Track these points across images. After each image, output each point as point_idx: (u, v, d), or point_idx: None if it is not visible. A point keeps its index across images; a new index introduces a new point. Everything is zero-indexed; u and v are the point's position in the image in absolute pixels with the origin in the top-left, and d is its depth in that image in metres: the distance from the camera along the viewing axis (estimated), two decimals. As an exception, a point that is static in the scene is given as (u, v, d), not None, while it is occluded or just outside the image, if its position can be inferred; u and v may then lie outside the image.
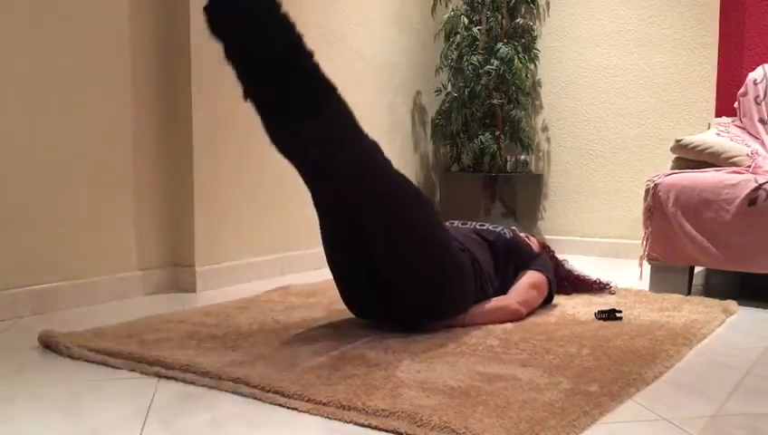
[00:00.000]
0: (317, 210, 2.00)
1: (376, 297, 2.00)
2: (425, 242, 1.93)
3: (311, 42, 3.43)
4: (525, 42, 4.01)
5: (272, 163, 3.12)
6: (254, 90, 1.79)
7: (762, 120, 3.13)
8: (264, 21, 1.75)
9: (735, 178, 2.55)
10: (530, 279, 2.26)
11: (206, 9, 1.76)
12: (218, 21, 1.76)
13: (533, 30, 4.03)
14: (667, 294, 2.60)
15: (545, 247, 2.60)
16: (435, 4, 4.03)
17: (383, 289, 1.96)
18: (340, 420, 1.37)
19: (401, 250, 1.91)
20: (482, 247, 2.24)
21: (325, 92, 1.79)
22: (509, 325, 2.08)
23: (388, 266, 1.94)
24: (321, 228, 2.02)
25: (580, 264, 2.86)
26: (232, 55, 1.79)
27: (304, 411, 1.41)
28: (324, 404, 1.41)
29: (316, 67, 1.79)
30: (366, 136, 1.86)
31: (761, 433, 1.33)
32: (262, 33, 1.75)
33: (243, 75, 1.79)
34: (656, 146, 3.79)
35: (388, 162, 1.90)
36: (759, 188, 2.46)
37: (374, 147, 1.87)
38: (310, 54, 1.79)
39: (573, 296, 2.55)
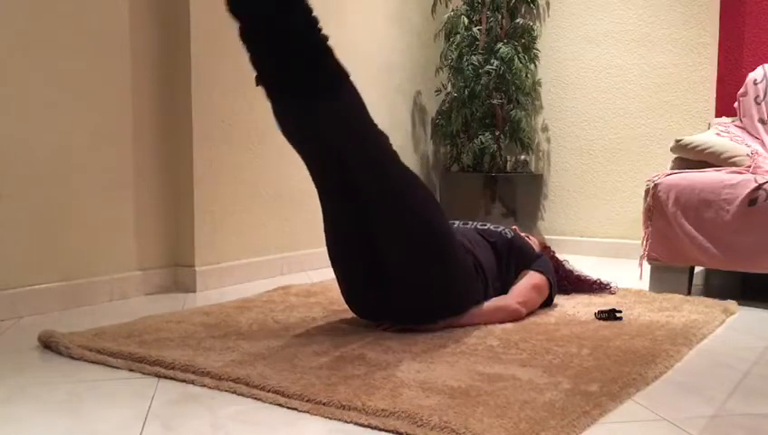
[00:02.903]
0: (321, 196, 2.00)
1: (375, 293, 2.00)
2: (431, 234, 1.93)
3: (311, 42, 3.42)
4: (525, 42, 4.01)
5: (272, 163, 3.13)
6: (271, 66, 1.81)
7: (762, 120, 3.13)
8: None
9: (735, 178, 2.55)
10: (530, 280, 2.26)
11: None
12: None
13: (533, 30, 4.03)
14: (667, 294, 2.60)
15: (546, 247, 2.60)
16: (435, 4, 4.03)
17: (383, 285, 1.96)
18: (340, 420, 1.37)
19: (407, 241, 1.92)
20: (484, 249, 2.24)
21: (340, 75, 1.83)
22: (509, 325, 2.08)
23: (391, 258, 1.94)
24: (325, 217, 2.02)
25: (580, 264, 2.87)
26: (250, 33, 1.80)
27: (304, 411, 1.41)
28: (324, 404, 1.41)
29: (332, 50, 1.82)
30: (376, 125, 1.91)
31: (761, 433, 1.33)
32: (282, 8, 1.77)
33: (260, 53, 1.81)
34: (656, 146, 3.79)
35: (396, 154, 1.94)
36: (759, 188, 2.46)
37: (384, 136, 1.92)
38: (326, 37, 1.82)
39: (573, 296, 2.55)
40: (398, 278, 1.95)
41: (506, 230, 2.39)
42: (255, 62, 1.81)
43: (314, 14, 1.82)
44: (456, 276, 2.00)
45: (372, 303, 2.04)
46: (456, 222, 2.46)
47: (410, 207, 1.92)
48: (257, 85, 1.83)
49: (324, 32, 1.83)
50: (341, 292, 2.09)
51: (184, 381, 1.60)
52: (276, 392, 1.48)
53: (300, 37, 1.78)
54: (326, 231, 2.03)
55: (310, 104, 1.81)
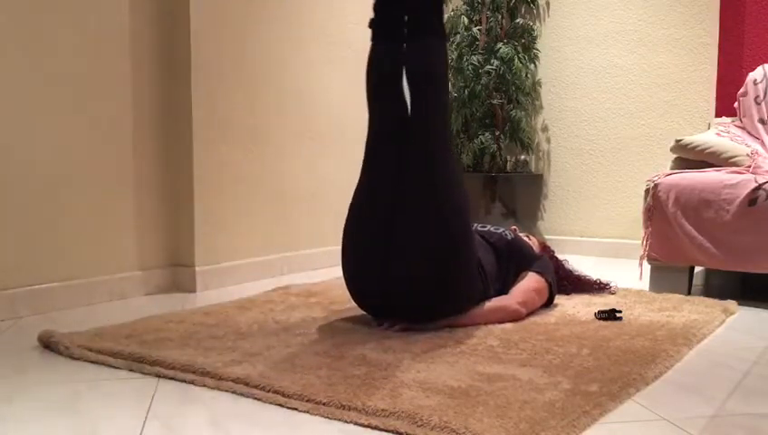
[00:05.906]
0: (367, 164, 2.06)
1: (383, 274, 1.97)
2: (458, 227, 1.98)
3: (311, 41, 3.44)
4: (525, 42, 4.01)
5: (272, 163, 3.13)
6: (393, 6, 2.08)
7: (762, 121, 3.13)
8: None
9: (735, 178, 2.55)
10: (531, 281, 2.26)
11: None
12: None
13: (533, 30, 4.03)
14: (667, 294, 2.60)
15: (545, 248, 2.60)
16: (435, 4, 4.02)
17: (393, 267, 1.95)
18: (340, 420, 1.37)
19: (434, 228, 1.95)
20: (485, 250, 2.24)
21: (443, 20, 2.08)
22: (509, 325, 2.08)
23: (412, 241, 1.95)
24: (360, 187, 2.06)
25: (580, 264, 2.87)
26: None
27: (304, 411, 1.41)
28: (324, 404, 1.41)
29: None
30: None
31: (761, 433, 1.33)
32: None
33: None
34: (656, 146, 3.79)
35: (452, 141, 2.14)
36: (759, 188, 2.46)
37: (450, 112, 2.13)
38: None
39: (573, 296, 2.55)
40: (410, 263, 1.95)
41: (506, 232, 2.39)
42: (379, 3, 2.10)
43: None
44: (464, 276, 2.01)
45: (377, 286, 2.01)
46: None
47: (449, 197, 1.98)
48: (369, 27, 2.13)
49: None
50: (346, 274, 2.07)
51: (184, 381, 1.60)
52: (276, 392, 1.48)
53: None
54: (355, 202, 2.07)
55: (422, 40, 2.01)
